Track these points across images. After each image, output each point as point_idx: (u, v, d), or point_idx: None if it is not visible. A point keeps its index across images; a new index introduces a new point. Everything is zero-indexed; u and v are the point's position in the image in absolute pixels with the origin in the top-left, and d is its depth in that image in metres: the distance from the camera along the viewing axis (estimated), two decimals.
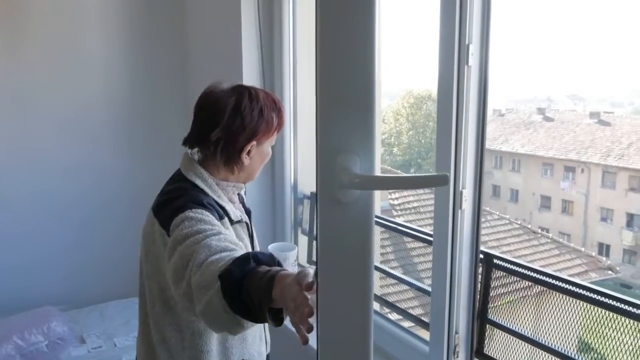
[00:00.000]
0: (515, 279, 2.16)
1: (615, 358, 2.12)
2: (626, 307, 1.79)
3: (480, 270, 2.19)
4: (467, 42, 1.96)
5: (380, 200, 11.34)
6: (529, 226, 14.59)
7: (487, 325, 2.21)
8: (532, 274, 2.11)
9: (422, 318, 2.59)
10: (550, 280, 2.07)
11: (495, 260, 2.18)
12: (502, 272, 2.18)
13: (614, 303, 1.82)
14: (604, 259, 14.52)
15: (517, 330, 2.15)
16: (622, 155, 21.64)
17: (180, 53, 3.84)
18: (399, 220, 11.50)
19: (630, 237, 21.41)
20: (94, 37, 3.78)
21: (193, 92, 3.56)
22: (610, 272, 13.29)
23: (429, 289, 2.29)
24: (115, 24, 3.77)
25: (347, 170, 0.89)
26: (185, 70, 3.87)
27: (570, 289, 2.01)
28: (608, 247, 21.98)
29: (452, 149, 2.05)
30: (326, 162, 0.89)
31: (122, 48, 3.83)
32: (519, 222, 13.81)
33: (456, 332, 2.17)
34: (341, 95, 0.88)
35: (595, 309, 1.91)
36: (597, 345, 2.25)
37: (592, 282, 13.28)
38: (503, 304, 2.27)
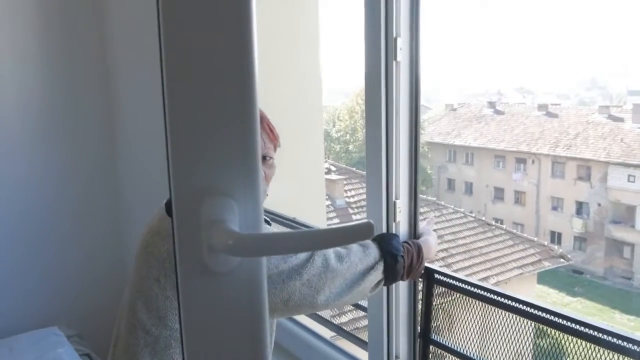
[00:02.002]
0: (458, 296, 1.93)
1: None
2: (573, 325, 1.58)
3: (420, 286, 1.96)
4: (394, 36, 1.72)
5: (336, 198, 11.15)
6: (484, 218, 14.66)
7: (431, 347, 1.98)
8: (475, 289, 1.88)
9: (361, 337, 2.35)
10: (493, 296, 1.85)
11: (436, 276, 1.94)
12: (444, 289, 1.95)
13: (562, 322, 1.60)
14: (556, 247, 14.69)
15: (462, 351, 1.92)
16: (570, 146, 22.00)
17: (101, 55, 3.47)
18: (356, 217, 11.32)
19: (580, 224, 21.79)
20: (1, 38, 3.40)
21: (115, 97, 3.26)
22: (562, 260, 13.44)
23: (366, 305, 2.05)
24: (24, 23, 3.39)
25: (219, 224, 0.60)
26: (107, 75, 3.53)
27: (512, 305, 1.78)
28: (559, 235, 22.33)
29: (382, 154, 1.81)
30: (185, 212, 0.61)
31: (35, 52, 3.46)
32: (473, 215, 13.86)
33: (397, 357, 1.93)
34: (203, 103, 0.61)
35: (546, 329, 1.70)
36: None
37: (546, 270, 13.39)
38: (447, 322, 2.04)
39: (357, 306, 2.35)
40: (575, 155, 21.81)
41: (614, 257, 21.27)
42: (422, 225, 1.90)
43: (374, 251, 1.62)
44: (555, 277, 18.50)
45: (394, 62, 1.75)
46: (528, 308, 1.78)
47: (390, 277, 1.66)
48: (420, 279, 1.95)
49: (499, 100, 28.13)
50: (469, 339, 2.01)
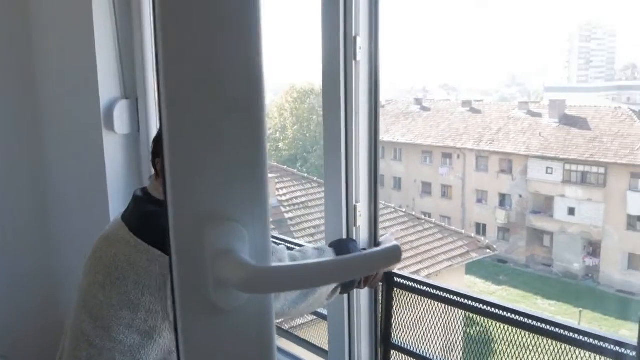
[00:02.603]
0: (419, 298, 1.90)
1: None
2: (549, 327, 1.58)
3: (380, 290, 1.91)
4: (354, 34, 1.66)
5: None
6: (413, 213, 14.91)
7: (392, 351, 1.93)
8: (435, 291, 1.85)
9: (320, 346, 2.28)
10: (454, 297, 1.82)
11: (396, 279, 1.90)
12: (404, 292, 1.91)
13: (532, 322, 1.60)
14: (483, 238, 15.13)
15: (423, 354, 1.89)
16: (493, 140, 22.69)
17: (25, 57, 3.15)
18: (289, 215, 11.27)
19: (503, 215, 22.55)
20: None
21: (41, 99, 3.01)
22: (488, 250, 13.86)
23: (326, 313, 1.98)
24: None
25: (228, 255, 0.51)
26: (32, 78, 3.24)
27: (475, 307, 1.77)
28: (484, 226, 23.01)
29: (342, 156, 1.74)
30: (186, 241, 0.51)
31: None
32: (403, 210, 14.06)
33: None
34: (206, 116, 0.51)
35: (509, 328, 1.69)
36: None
37: (473, 261, 13.77)
38: (408, 326, 2.00)
39: (317, 314, 2.28)
40: (498, 150, 22.52)
41: (535, 246, 22.12)
42: (385, 236, 1.86)
43: (328, 256, 1.57)
44: (482, 267, 19.04)
45: (354, 62, 1.68)
46: (476, 304, 1.78)
47: (346, 284, 1.61)
48: (380, 283, 1.91)
49: (425, 97, 28.68)
50: (432, 342, 1.98)
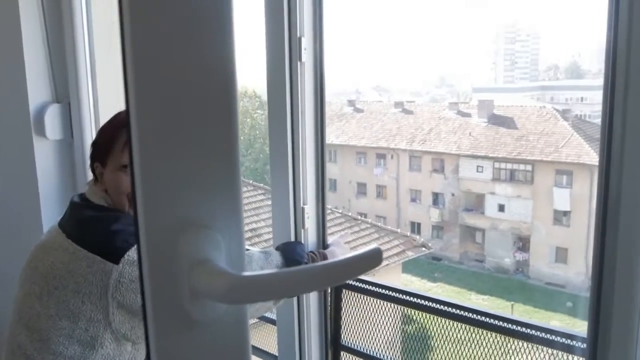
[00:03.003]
0: (368, 299, 1.91)
1: None
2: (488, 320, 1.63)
3: (329, 292, 1.91)
4: (298, 35, 1.65)
5: None
6: (349, 213, 15.03)
7: (342, 352, 1.93)
8: (382, 291, 1.86)
9: (269, 351, 2.26)
10: (401, 296, 1.85)
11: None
12: (353, 293, 1.92)
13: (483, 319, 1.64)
14: (418, 237, 15.41)
15: (371, 354, 1.90)
16: (425, 140, 23.20)
17: None
18: None
19: (437, 214, 23.08)
20: None
21: None
22: (424, 248, 14.11)
23: (274, 317, 1.96)
24: None
25: (204, 264, 0.49)
26: None
27: (421, 303, 1.80)
28: (419, 225, 23.47)
29: (289, 158, 1.73)
30: (158, 249, 0.48)
31: None
32: (340, 211, 14.14)
33: None
34: (177, 117, 0.49)
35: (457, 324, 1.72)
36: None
37: (409, 260, 14.00)
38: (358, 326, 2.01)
39: (264, 318, 2.25)
40: (430, 149, 23.03)
41: (467, 243, 22.74)
42: (334, 239, 1.85)
43: (276, 259, 1.56)
44: (417, 265, 19.39)
45: (299, 63, 1.67)
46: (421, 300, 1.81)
47: None
48: None
49: (358, 99, 29.00)
50: (380, 340, 2.00)
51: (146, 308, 0.49)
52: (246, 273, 0.49)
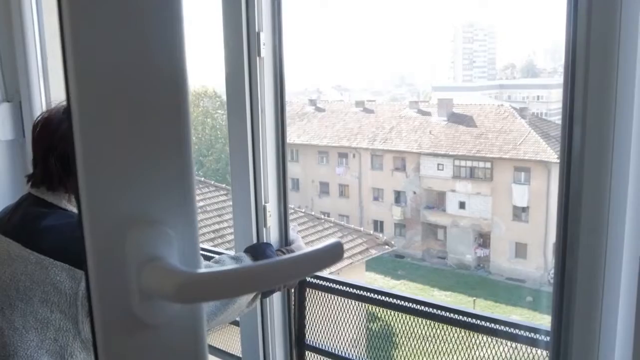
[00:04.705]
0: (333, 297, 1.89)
1: None
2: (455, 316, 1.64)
3: (293, 291, 1.88)
4: (257, 30, 1.62)
5: None
6: (312, 213, 15.04)
7: (307, 352, 1.91)
8: (347, 289, 1.85)
9: (232, 352, 2.22)
10: (365, 293, 1.84)
11: (308, 279, 1.88)
12: (317, 291, 1.90)
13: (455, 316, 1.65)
14: (381, 235, 15.49)
15: (336, 352, 1.88)
16: (386, 139, 23.37)
17: None
18: None
19: (399, 212, 23.28)
20: None
21: None
22: (387, 246, 14.22)
23: (238, 318, 1.93)
24: None
25: (155, 262, 0.46)
26: None
27: (385, 300, 1.80)
28: (382, 223, 23.64)
29: (249, 156, 1.70)
30: (105, 247, 0.45)
31: None
32: (303, 210, 14.14)
33: None
34: (124, 103, 0.46)
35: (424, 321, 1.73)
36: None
37: (373, 258, 14.08)
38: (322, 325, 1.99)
39: None
40: (391, 148, 23.21)
41: (429, 240, 23.00)
42: (289, 233, 1.83)
43: (247, 262, 1.53)
44: (381, 263, 19.52)
45: (258, 59, 1.64)
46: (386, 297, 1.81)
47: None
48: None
49: (319, 98, 29.06)
50: (344, 339, 1.98)
51: (93, 311, 0.45)
52: (201, 270, 0.46)
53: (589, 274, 1.30)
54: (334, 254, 0.48)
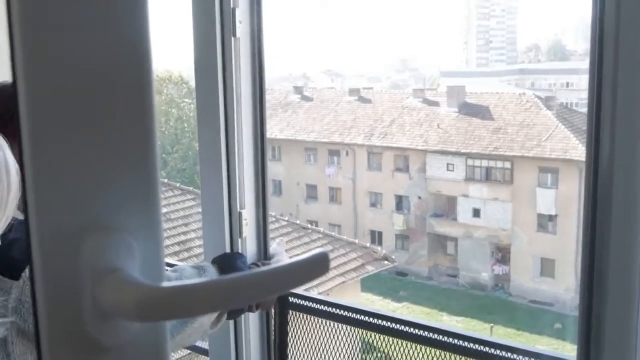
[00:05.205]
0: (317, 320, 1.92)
1: None
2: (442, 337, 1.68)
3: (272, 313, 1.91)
4: (232, 6, 1.65)
5: None
6: (298, 221, 15.04)
7: None
8: (336, 310, 1.88)
9: None
10: (357, 316, 1.87)
11: (291, 299, 1.91)
12: (301, 314, 1.93)
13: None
14: (379, 248, 15.53)
15: None
16: (386, 134, 23.41)
17: None
18: None
19: (401, 220, 23.30)
20: None
21: None
22: (386, 262, 14.25)
23: (207, 347, 1.96)
24: None
25: (114, 274, 0.47)
26: None
27: (381, 325, 1.84)
28: (380, 234, 23.68)
29: (222, 154, 1.73)
30: (54, 257, 0.47)
31: None
32: (286, 218, 14.14)
33: None
34: (83, 110, 0.48)
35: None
36: None
37: (369, 275, 14.11)
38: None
39: (194, 348, 2.23)
40: (392, 144, 23.22)
41: (437, 254, 23.03)
42: (272, 247, 1.85)
43: (212, 275, 1.54)
44: (379, 281, 19.57)
45: (233, 39, 1.67)
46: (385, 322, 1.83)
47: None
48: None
49: (306, 85, 29.12)
50: None
51: (40, 332, 0.48)
52: (165, 283, 0.48)
53: (621, 296, 1.30)
54: (318, 266, 0.51)
